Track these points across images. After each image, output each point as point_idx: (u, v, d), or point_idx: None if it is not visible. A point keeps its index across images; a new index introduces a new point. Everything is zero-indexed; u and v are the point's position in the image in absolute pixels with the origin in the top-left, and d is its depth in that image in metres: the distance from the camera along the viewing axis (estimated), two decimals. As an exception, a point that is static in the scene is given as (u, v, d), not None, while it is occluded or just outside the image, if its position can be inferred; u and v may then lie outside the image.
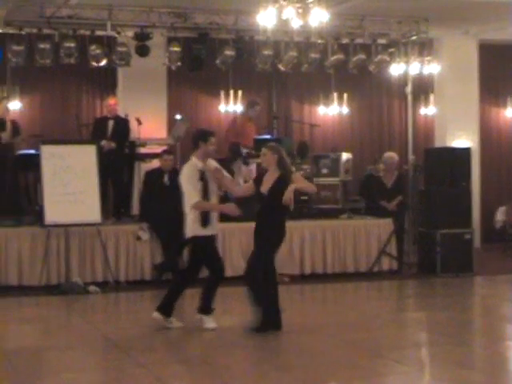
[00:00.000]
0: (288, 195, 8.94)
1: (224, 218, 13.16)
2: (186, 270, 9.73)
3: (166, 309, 9.46)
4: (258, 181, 9.36)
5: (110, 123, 13.71)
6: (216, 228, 9.55)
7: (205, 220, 9.22)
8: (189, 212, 9.30)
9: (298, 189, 9.23)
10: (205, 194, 9.24)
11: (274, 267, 9.36)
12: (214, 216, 9.46)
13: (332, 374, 7.58)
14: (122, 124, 13.78)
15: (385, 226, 13.74)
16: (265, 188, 9.18)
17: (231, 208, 9.63)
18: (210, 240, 9.43)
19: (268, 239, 9.20)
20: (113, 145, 13.44)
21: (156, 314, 9.44)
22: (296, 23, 11.02)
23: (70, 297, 11.76)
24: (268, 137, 15.39)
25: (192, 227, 9.30)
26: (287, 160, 9.35)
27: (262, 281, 9.16)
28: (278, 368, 7.70)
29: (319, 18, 10.86)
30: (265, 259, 9.22)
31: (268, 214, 9.21)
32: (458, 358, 8.14)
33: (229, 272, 12.86)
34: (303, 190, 9.80)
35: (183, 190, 9.32)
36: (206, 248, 9.39)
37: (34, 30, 13.82)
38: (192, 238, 9.37)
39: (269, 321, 9.11)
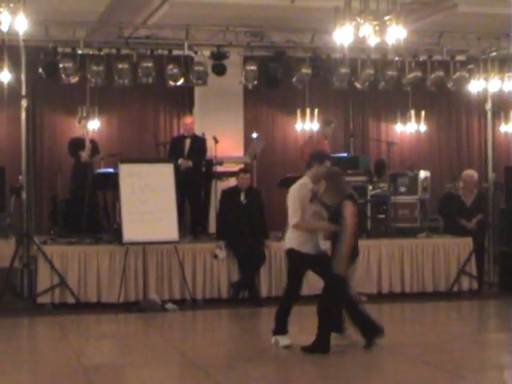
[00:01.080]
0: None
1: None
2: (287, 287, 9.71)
3: (280, 327, 9.47)
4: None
5: (187, 142, 13.81)
6: (317, 249, 9.38)
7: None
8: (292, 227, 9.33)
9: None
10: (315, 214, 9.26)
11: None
12: (317, 236, 9.37)
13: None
14: (199, 143, 13.87)
15: (464, 245, 13.54)
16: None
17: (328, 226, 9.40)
18: (305, 259, 9.33)
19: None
20: (190, 163, 13.54)
21: (274, 338, 9.44)
22: (373, 41, 10.95)
23: (147, 314, 11.84)
24: (344, 155, 15.37)
25: (291, 240, 9.33)
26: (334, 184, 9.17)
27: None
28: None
29: (396, 35, 10.78)
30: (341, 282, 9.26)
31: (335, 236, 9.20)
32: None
33: (306, 290, 12.88)
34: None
35: (289, 205, 9.34)
36: (296, 265, 9.40)
37: (113, 51, 14.01)
38: (289, 250, 9.38)
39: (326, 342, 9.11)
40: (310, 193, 9.22)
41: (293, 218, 9.26)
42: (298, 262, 9.35)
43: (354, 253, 9.26)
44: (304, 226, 9.24)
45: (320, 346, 9.01)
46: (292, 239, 9.33)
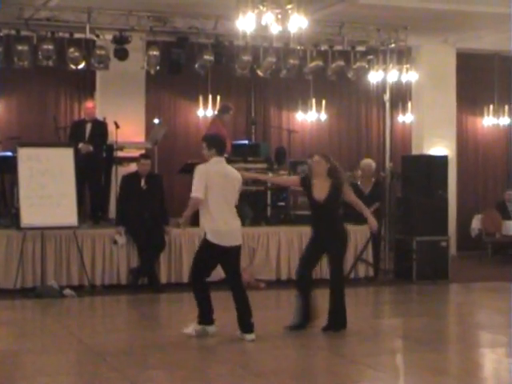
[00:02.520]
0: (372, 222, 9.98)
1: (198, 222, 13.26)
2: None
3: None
4: (307, 185, 9.58)
5: (88, 126, 13.68)
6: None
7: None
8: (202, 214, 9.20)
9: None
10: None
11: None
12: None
13: (309, 379, 7.61)
14: (100, 127, 13.76)
15: (361, 232, 13.73)
16: (319, 196, 9.47)
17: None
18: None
19: (342, 245, 9.63)
20: (90, 148, 13.41)
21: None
22: (275, 29, 11.02)
23: (45, 300, 11.71)
24: (245, 142, 15.46)
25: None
26: (340, 169, 9.62)
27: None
28: (255, 374, 7.72)
29: (298, 24, 10.86)
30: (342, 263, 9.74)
31: (330, 221, 9.54)
32: (432, 365, 8.19)
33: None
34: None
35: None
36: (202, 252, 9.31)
37: (13, 32, 13.74)
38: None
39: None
40: (213, 174, 9.07)
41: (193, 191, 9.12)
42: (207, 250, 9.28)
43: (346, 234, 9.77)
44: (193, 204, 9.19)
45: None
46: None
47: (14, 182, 12.76)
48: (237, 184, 9.19)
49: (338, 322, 9.48)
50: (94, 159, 13.52)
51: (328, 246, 9.58)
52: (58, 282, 12.22)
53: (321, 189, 9.47)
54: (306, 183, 9.62)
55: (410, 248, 13.90)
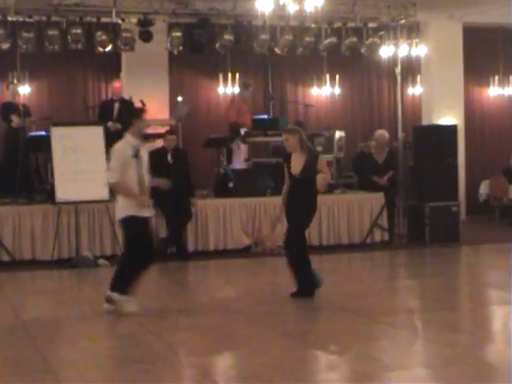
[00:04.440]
0: (320, 184, 9.22)
1: (225, 193, 13.30)
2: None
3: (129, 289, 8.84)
4: (287, 162, 9.44)
5: (116, 105, 13.70)
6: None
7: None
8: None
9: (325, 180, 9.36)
10: (138, 172, 8.71)
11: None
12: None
13: (332, 338, 7.65)
14: (127, 106, 13.73)
15: (376, 199, 13.77)
16: (295, 170, 9.32)
17: (162, 182, 9.41)
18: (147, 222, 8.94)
19: (305, 215, 9.45)
20: (119, 126, 13.39)
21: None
22: (292, 8, 11.00)
23: (80, 270, 11.79)
24: (265, 117, 15.43)
25: (127, 207, 8.67)
26: (305, 139, 9.45)
27: (303, 252, 9.44)
28: (283, 335, 7.76)
29: (314, 3, 10.84)
30: (302, 233, 9.48)
31: (301, 193, 9.34)
32: (447, 322, 8.24)
33: (230, 245, 13.04)
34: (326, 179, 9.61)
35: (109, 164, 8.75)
36: (142, 228, 8.81)
37: (43, 18, 13.75)
38: (128, 218, 8.67)
39: (311, 285, 9.31)
40: (132, 149, 8.76)
41: (112, 176, 8.70)
42: (138, 226, 8.73)
43: (314, 208, 9.64)
44: (122, 188, 8.71)
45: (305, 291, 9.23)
46: (125, 206, 8.68)
47: (48, 160, 12.79)
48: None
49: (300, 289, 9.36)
50: (122, 136, 13.48)
51: (291, 214, 9.48)
52: (92, 252, 12.31)
53: (296, 163, 9.35)
54: (286, 159, 9.50)
55: (422, 213, 13.87)
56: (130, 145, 8.77)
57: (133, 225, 8.69)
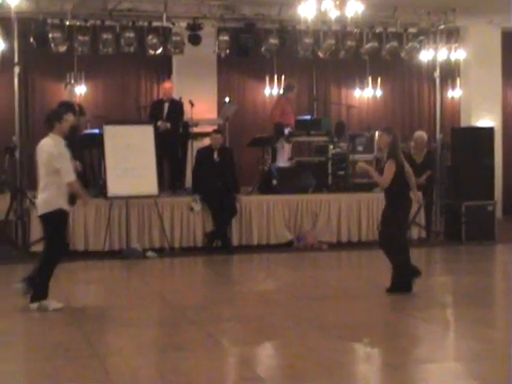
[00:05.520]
0: (360, 166, 9.39)
1: (269, 190, 13.29)
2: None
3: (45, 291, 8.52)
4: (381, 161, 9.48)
5: (166, 105, 13.75)
6: None
7: (72, 196, 8.65)
8: (50, 185, 8.42)
9: (370, 174, 9.35)
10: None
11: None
12: None
13: (367, 331, 7.59)
14: (177, 106, 13.82)
15: (415, 198, 13.60)
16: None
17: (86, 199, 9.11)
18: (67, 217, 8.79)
19: (395, 215, 9.20)
20: (168, 125, 13.49)
21: (38, 304, 8.43)
22: (333, 14, 10.93)
23: (130, 261, 11.88)
24: (308, 117, 15.37)
25: (57, 201, 8.40)
26: (399, 142, 9.17)
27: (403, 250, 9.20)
28: (319, 327, 7.72)
29: (355, 8, 10.77)
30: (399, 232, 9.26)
31: (387, 192, 9.21)
32: (480, 318, 8.12)
33: (273, 240, 13.03)
34: (373, 178, 9.53)
35: (57, 165, 8.34)
36: (64, 223, 8.70)
37: (98, 22, 13.84)
38: (56, 211, 8.40)
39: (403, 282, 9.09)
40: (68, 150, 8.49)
41: (67, 176, 8.32)
42: (63, 221, 8.60)
43: (407, 202, 9.35)
44: (76, 187, 8.52)
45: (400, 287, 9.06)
46: (55, 199, 8.39)
47: (101, 156, 12.90)
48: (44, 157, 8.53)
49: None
50: (172, 135, 13.58)
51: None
52: (141, 244, 12.38)
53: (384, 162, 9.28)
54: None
55: (459, 212, 13.74)
56: (62, 143, 8.51)
57: (60, 218, 8.49)
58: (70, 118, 8.66)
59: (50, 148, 8.42)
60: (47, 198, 8.44)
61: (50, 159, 8.38)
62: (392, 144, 9.10)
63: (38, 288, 8.46)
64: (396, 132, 9.21)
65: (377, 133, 9.47)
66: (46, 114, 8.91)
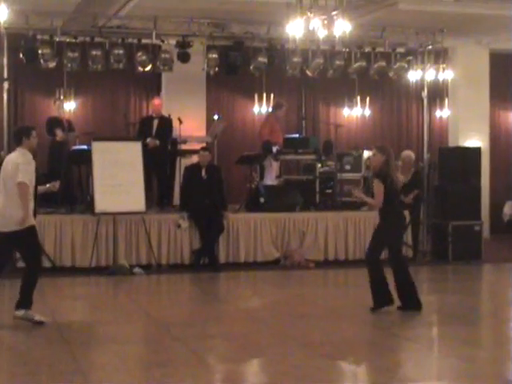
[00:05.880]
0: (356, 195, 9.73)
1: (256, 208, 13.32)
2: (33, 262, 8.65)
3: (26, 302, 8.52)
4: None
5: (155, 122, 13.80)
6: None
7: (34, 210, 8.57)
8: (16, 203, 8.31)
9: (362, 200, 9.59)
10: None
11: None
12: None
13: (352, 350, 7.60)
14: (166, 123, 13.86)
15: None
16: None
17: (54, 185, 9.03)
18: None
19: (387, 233, 9.23)
20: (157, 142, 13.52)
21: (17, 312, 8.49)
22: (321, 33, 11.00)
23: (117, 277, 11.87)
24: (296, 136, 15.45)
25: (26, 218, 8.34)
26: (392, 161, 9.22)
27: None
28: (303, 345, 7.74)
29: (342, 28, 10.84)
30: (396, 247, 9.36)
31: (381, 209, 9.21)
32: (465, 337, 8.15)
33: (260, 257, 13.04)
34: (366, 202, 9.86)
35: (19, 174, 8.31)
36: (35, 238, 8.65)
37: (87, 39, 13.90)
38: (29, 228, 8.40)
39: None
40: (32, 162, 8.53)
41: (19, 178, 8.29)
42: (35, 236, 8.61)
43: (399, 219, 9.43)
44: (25, 191, 8.30)
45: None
46: (25, 216, 8.30)
47: (89, 173, 12.91)
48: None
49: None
50: (161, 152, 13.61)
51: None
52: (128, 261, 12.36)
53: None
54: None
55: (446, 231, 13.80)
56: (27, 158, 8.50)
57: (34, 234, 8.55)
58: (34, 136, 8.62)
59: (17, 159, 8.44)
60: (10, 214, 8.33)
61: (15, 169, 8.34)
62: (383, 163, 9.12)
63: (24, 295, 8.47)
64: (390, 151, 9.25)
65: (371, 151, 9.51)
66: (15, 129, 8.98)
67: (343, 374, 6.95)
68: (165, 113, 14.10)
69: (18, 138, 8.64)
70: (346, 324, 8.77)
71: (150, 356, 7.47)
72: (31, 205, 8.45)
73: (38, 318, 8.45)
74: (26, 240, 8.47)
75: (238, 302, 10.34)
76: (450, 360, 7.33)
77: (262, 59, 14.66)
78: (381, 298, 9.17)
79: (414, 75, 15.45)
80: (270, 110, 15.42)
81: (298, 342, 7.81)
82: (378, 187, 9.10)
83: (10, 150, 13.55)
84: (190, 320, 9.04)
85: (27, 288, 8.51)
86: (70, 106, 15.16)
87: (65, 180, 13.11)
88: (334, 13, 10.75)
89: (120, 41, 13.97)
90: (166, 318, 9.03)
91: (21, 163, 8.39)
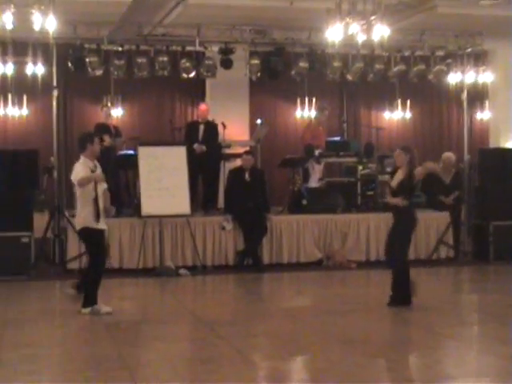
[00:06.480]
0: (419, 171, 9.55)
1: (299, 210, 13.38)
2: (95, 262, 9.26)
3: (90, 299, 9.14)
4: (392, 174, 9.65)
5: (201, 127, 13.89)
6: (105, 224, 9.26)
7: (97, 215, 8.99)
8: (82, 207, 9.06)
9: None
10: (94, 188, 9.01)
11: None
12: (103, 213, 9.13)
13: (390, 347, 7.63)
14: (212, 127, 13.95)
15: (443, 218, 13.66)
16: (394, 183, 9.48)
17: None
18: (102, 234, 9.22)
19: (401, 230, 9.45)
20: (204, 148, 13.60)
21: (84, 310, 9.08)
22: (360, 38, 11.02)
23: (163, 278, 12.01)
24: (337, 139, 15.47)
25: (86, 220, 9.01)
26: (416, 162, 9.52)
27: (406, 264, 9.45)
28: (343, 342, 7.79)
29: (381, 32, 10.83)
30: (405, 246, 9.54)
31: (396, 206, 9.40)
32: (504, 336, 8.12)
33: (303, 258, 13.09)
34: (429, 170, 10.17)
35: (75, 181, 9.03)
36: (97, 240, 9.13)
37: (133, 47, 14.10)
38: (84, 229, 9.10)
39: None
40: (90, 169, 9.03)
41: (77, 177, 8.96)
42: (96, 239, 9.13)
43: (412, 219, 9.56)
44: (86, 179, 8.92)
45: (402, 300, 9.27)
46: (86, 218, 9.03)
47: (136, 177, 13.08)
48: None
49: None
50: (207, 157, 13.68)
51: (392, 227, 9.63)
52: (174, 262, 12.51)
53: (397, 177, 9.52)
54: (393, 172, 9.73)
55: (486, 232, 13.69)
56: (86, 166, 9.03)
57: (90, 235, 9.13)
58: (97, 142, 9.20)
59: (77, 168, 9.05)
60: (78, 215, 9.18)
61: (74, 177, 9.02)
62: (409, 163, 9.36)
63: (88, 295, 9.10)
64: (413, 151, 9.52)
65: (396, 151, 9.62)
66: (79, 136, 9.51)
67: (383, 371, 6.97)
68: (209, 118, 14.22)
69: (82, 144, 9.12)
70: (386, 322, 8.80)
71: (194, 354, 7.58)
72: (89, 208, 8.94)
73: (104, 309, 9.02)
74: (85, 240, 9.33)
75: (281, 301, 10.42)
76: (488, 358, 7.32)
77: (303, 64, 14.72)
78: (401, 298, 9.32)
79: (453, 78, 15.39)
80: (313, 113, 15.47)
81: (339, 340, 7.87)
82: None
83: (59, 155, 13.97)
84: (233, 319, 9.14)
85: (87, 287, 9.15)
86: (116, 112, 15.36)
87: (112, 184, 13.34)
88: (372, 18, 10.75)
89: (164, 48, 14.14)
90: (210, 317, 9.13)
91: (80, 171, 8.96)
